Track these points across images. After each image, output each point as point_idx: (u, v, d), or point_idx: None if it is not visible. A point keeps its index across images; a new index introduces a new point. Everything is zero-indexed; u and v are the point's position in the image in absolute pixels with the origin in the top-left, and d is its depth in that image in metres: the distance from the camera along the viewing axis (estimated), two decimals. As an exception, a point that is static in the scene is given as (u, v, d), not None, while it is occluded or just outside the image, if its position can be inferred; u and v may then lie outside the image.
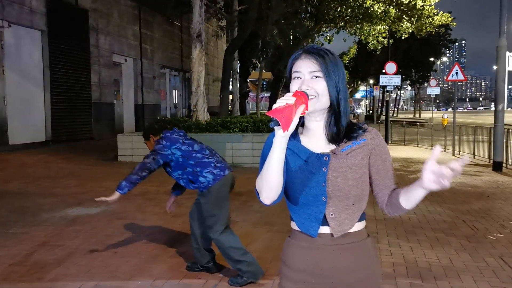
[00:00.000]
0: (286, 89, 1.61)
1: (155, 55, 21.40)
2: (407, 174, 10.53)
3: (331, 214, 1.58)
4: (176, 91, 25.06)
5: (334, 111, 1.60)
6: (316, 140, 1.63)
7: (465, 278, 4.08)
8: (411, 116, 62.71)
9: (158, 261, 4.39)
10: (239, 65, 23.49)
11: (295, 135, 1.64)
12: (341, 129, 1.60)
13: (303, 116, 1.59)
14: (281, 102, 1.42)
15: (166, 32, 22.63)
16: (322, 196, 1.57)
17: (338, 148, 1.59)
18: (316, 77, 1.57)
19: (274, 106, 1.42)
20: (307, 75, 1.57)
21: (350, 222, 1.59)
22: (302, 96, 1.48)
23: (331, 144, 1.61)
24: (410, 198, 1.53)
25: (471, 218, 6.29)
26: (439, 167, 1.39)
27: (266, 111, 1.51)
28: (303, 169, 1.59)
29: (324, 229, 1.60)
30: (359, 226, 1.63)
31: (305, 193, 1.58)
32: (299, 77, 1.59)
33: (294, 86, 1.58)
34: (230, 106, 21.16)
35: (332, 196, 1.57)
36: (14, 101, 12.47)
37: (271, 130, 1.68)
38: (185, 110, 25.15)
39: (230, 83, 20.34)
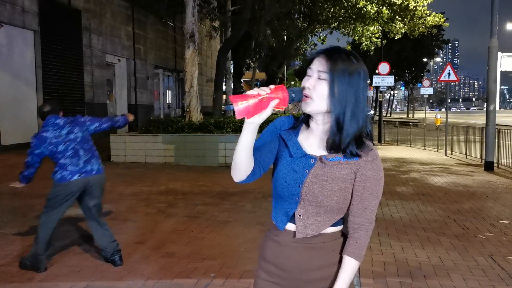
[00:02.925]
0: None
1: (148, 55, 21.34)
2: (399, 174, 10.58)
3: (300, 216, 1.60)
4: (169, 91, 25.00)
5: (335, 120, 1.54)
6: (312, 140, 1.62)
7: (455, 276, 4.12)
8: (405, 116, 62.92)
9: (149, 261, 4.39)
10: (232, 65, 23.50)
11: (296, 129, 1.65)
12: (342, 139, 1.55)
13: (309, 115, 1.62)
14: (254, 91, 1.44)
15: (159, 32, 22.58)
16: (296, 196, 1.59)
17: (327, 156, 1.57)
18: (320, 78, 1.54)
19: (247, 93, 1.44)
20: (315, 73, 1.55)
21: (316, 228, 1.59)
22: (282, 92, 1.47)
23: (323, 149, 1.59)
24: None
25: (461, 217, 6.34)
26: None
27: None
28: (288, 163, 1.61)
29: (290, 226, 1.63)
30: (327, 230, 1.61)
31: (283, 188, 1.60)
32: (309, 75, 1.57)
33: (303, 81, 1.59)
34: (223, 106, 21.14)
35: (305, 199, 1.58)
36: (6, 102, 12.40)
37: (263, 129, 1.72)
38: (179, 110, 25.11)
39: (224, 83, 20.34)
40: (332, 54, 1.54)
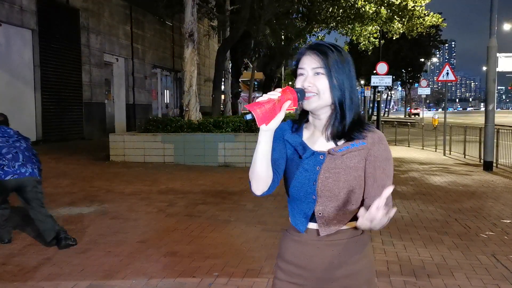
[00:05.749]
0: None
1: (146, 54, 21.31)
2: (399, 173, 10.58)
3: (319, 213, 1.59)
4: (167, 91, 24.99)
5: (338, 109, 1.58)
6: (317, 137, 1.64)
7: (458, 275, 4.11)
8: (402, 116, 63.02)
9: (152, 260, 4.37)
10: (231, 65, 23.48)
11: (298, 130, 1.67)
12: (346, 126, 1.59)
13: (308, 112, 1.64)
14: (264, 97, 1.46)
15: (157, 31, 22.55)
16: (312, 194, 1.59)
17: (335, 148, 1.58)
18: (318, 73, 1.58)
19: (257, 100, 1.45)
20: (310, 71, 1.59)
21: (338, 223, 1.59)
22: (290, 93, 1.49)
23: (330, 142, 1.60)
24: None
25: (463, 216, 6.34)
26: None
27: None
28: (298, 164, 1.61)
29: (312, 225, 1.62)
30: (349, 225, 1.61)
31: (298, 189, 1.61)
32: (302, 74, 1.60)
33: (298, 82, 1.61)
34: (222, 106, 21.14)
35: (322, 195, 1.57)
36: (4, 101, 12.36)
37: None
38: (177, 110, 25.09)
39: (222, 83, 20.33)
40: (319, 49, 1.58)
